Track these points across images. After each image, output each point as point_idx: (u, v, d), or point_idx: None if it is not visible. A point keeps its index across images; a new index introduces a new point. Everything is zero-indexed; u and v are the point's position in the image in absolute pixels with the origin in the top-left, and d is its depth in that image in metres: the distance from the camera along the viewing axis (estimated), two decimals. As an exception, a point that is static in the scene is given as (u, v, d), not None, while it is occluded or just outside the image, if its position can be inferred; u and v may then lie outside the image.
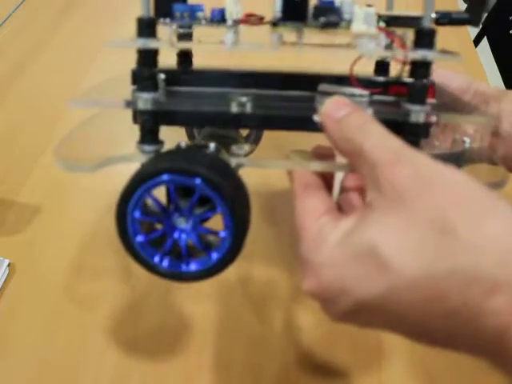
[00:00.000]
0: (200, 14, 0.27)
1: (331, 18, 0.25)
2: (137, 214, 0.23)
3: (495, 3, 0.98)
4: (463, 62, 0.64)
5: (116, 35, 0.70)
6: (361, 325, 0.19)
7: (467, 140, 0.30)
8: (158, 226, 0.24)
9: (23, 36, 0.72)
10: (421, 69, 0.26)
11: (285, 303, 0.41)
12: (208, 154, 0.24)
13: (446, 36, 0.68)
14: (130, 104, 0.25)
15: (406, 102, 0.26)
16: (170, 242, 0.24)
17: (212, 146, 0.25)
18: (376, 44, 0.26)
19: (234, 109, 0.25)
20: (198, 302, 0.41)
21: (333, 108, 0.23)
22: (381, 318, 0.18)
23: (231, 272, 0.40)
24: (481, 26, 1.01)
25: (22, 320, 0.41)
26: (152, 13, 0.27)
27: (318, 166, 0.25)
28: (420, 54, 0.25)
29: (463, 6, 1.06)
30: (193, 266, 0.24)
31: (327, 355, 0.39)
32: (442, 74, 0.33)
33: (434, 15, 0.28)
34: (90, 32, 0.72)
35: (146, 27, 0.25)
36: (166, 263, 0.24)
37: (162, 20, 0.27)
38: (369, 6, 0.26)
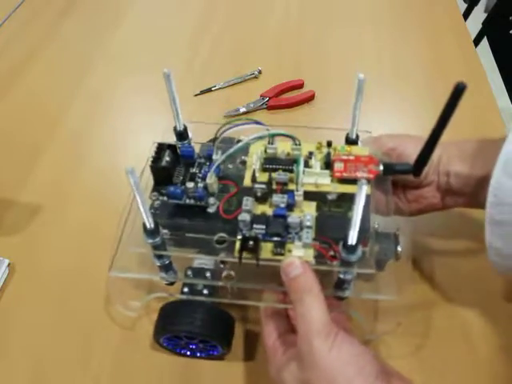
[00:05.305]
0: (190, 189, 0.33)
1: (278, 249, 0.31)
2: (164, 340, 0.37)
3: (495, 3, 0.98)
4: (463, 62, 0.64)
5: (116, 35, 0.71)
6: None
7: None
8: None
9: (23, 36, 0.72)
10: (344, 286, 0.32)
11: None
12: (202, 310, 0.35)
13: (445, 36, 0.68)
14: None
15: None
16: (187, 348, 0.38)
17: (205, 292, 0.35)
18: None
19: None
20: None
21: (288, 267, 0.30)
22: None
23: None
24: (481, 27, 1.01)
25: (22, 320, 0.41)
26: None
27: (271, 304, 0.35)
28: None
29: (463, 6, 1.06)
30: (203, 355, 0.38)
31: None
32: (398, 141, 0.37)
33: (381, 168, 0.33)
34: (89, 32, 0.72)
35: (151, 233, 0.31)
36: (188, 353, 0.38)
37: (155, 197, 0.35)
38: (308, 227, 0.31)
